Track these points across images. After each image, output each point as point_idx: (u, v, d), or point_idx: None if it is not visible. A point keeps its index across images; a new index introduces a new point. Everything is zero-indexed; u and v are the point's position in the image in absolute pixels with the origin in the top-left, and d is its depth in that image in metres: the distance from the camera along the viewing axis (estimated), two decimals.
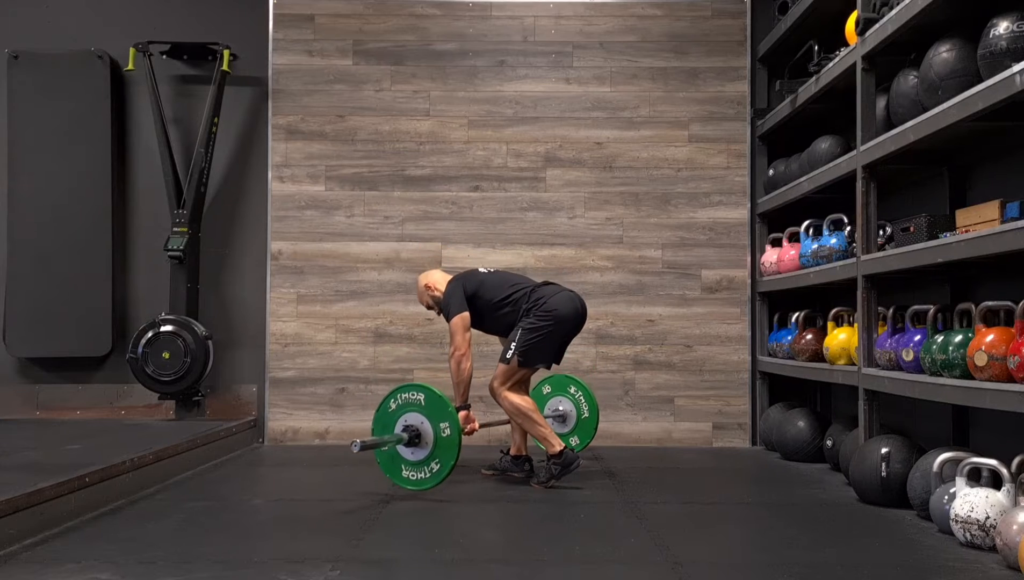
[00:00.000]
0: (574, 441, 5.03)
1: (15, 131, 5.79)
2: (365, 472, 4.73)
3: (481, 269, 4.54)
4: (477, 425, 4.26)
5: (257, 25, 5.88)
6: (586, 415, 5.03)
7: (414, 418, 3.91)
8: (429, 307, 4.54)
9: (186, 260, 5.59)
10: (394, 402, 3.96)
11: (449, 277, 4.46)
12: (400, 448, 3.94)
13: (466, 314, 4.26)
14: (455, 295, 4.30)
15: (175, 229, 5.61)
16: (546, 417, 4.81)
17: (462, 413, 4.14)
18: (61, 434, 4.89)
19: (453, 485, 4.27)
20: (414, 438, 3.91)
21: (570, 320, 4.29)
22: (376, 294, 5.80)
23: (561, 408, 5.05)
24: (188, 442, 4.67)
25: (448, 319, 4.29)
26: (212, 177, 5.80)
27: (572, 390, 5.04)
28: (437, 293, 4.43)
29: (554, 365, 4.43)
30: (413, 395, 3.93)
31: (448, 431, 3.87)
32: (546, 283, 4.42)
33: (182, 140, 5.88)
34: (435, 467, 3.90)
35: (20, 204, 5.78)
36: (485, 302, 4.33)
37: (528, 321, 4.24)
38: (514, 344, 4.23)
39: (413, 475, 3.95)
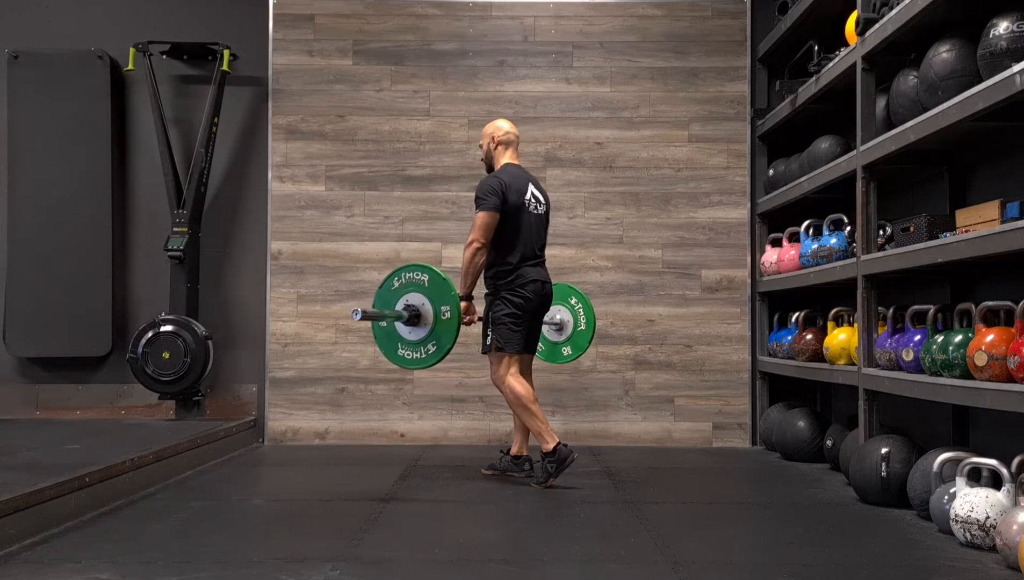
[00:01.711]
0: (566, 351, 5.05)
1: (15, 131, 5.79)
2: (365, 472, 4.73)
3: (529, 192, 4.34)
4: (476, 317, 4.25)
5: (257, 25, 5.88)
6: (582, 327, 5.03)
7: (416, 298, 3.92)
8: (480, 148, 4.51)
9: (186, 260, 5.59)
10: (397, 281, 3.96)
11: (513, 160, 4.41)
12: (399, 326, 3.93)
13: (496, 215, 4.20)
14: (493, 193, 4.22)
15: (175, 229, 5.61)
16: (544, 323, 4.76)
17: (464, 303, 4.14)
18: (61, 434, 4.88)
19: (453, 485, 4.27)
20: (414, 317, 3.90)
21: (531, 306, 4.27)
22: None
23: (559, 317, 5.05)
24: (188, 442, 4.67)
25: (477, 208, 4.23)
26: (212, 177, 5.80)
27: (572, 301, 5.04)
28: (494, 154, 4.41)
29: (528, 353, 4.42)
30: (417, 275, 3.93)
31: (448, 314, 3.87)
32: (535, 264, 4.33)
33: (182, 140, 5.88)
34: (431, 348, 3.90)
35: (20, 204, 5.78)
36: (501, 227, 4.24)
37: (496, 303, 4.24)
38: (489, 330, 4.25)
39: (409, 354, 3.94)
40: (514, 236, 4.27)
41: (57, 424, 5.42)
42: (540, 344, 5.02)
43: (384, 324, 3.95)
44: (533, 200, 4.37)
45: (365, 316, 3.73)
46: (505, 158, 4.42)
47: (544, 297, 4.35)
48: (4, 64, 5.81)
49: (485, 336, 4.28)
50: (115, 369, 5.78)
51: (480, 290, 4.32)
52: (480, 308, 4.33)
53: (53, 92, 5.77)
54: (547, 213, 4.49)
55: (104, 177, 5.79)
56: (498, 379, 4.26)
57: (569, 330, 5.05)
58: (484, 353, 4.32)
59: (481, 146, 4.52)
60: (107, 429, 5.18)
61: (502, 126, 4.49)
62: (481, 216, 4.21)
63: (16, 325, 5.75)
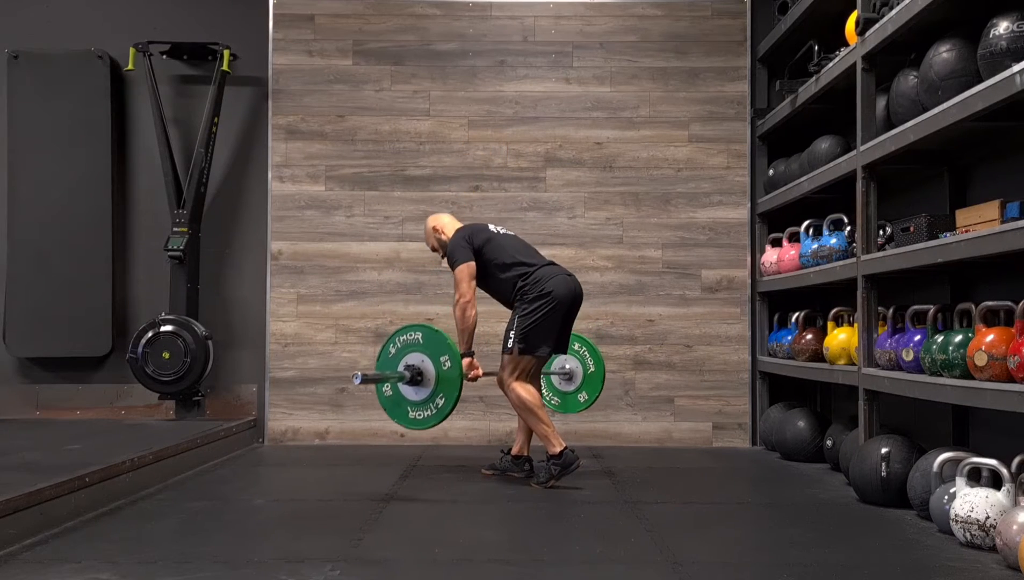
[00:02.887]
0: (582, 397, 5.04)
1: (15, 131, 5.79)
2: (365, 472, 4.73)
3: (491, 226, 4.46)
4: (480, 371, 4.23)
5: (257, 25, 5.88)
6: (592, 370, 5.03)
7: (414, 358, 3.93)
8: (434, 250, 4.53)
9: (186, 260, 5.59)
10: (393, 347, 3.97)
11: (459, 224, 4.46)
12: (404, 388, 3.94)
13: (472, 264, 4.23)
14: (461, 246, 4.27)
15: (175, 229, 5.61)
16: (552, 374, 4.76)
17: (465, 360, 4.13)
18: (61, 434, 4.88)
19: (453, 485, 4.27)
20: (416, 376, 3.91)
21: (566, 301, 4.26)
22: (376, 294, 5.80)
23: (568, 366, 5.06)
24: (188, 442, 4.67)
25: (453, 267, 4.26)
26: (212, 177, 5.80)
27: (576, 346, 5.04)
28: (444, 237, 4.41)
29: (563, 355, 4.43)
30: (411, 336, 3.94)
31: (448, 364, 3.87)
32: (548, 264, 4.36)
33: (182, 140, 5.88)
34: (440, 402, 3.90)
35: (20, 204, 5.78)
36: (488, 261, 4.29)
37: (522, 306, 4.22)
38: (512, 331, 4.21)
39: (419, 414, 3.94)
40: (502, 255, 4.29)
41: (57, 424, 5.42)
42: (554, 396, 5.04)
43: (388, 391, 3.96)
44: (499, 229, 4.45)
45: (366, 379, 3.74)
46: (453, 229, 4.44)
47: (575, 293, 4.31)
48: (4, 64, 5.81)
49: (507, 338, 4.24)
50: (115, 369, 5.78)
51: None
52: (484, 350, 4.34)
53: (53, 92, 5.77)
54: (516, 235, 4.54)
55: (104, 177, 5.79)
56: (504, 383, 4.25)
57: (579, 377, 5.05)
58: (504, 353, 4.27)
59: (433, 248, 4.52)
60: (107, 429, 5.18)
61: (438, 217, 4.53)
62: (459, 270, 4.24)
63: (16, 325, 5.75)
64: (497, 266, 4.29)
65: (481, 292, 4.35)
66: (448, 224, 4.47)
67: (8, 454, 4.14)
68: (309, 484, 4.54)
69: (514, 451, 4.50)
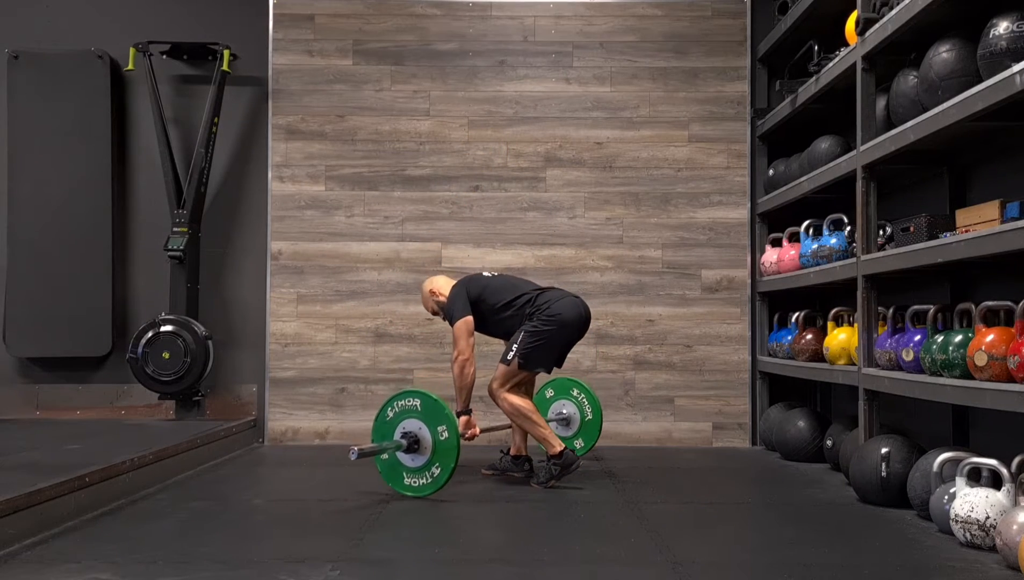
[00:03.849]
0: (579, 444, 5.03)
1: (15, 131, 5.79)
2: (365, 472, 4.72)
3: (485, 273, 4.52)
4: (478, 430, 4.26)
5: (257, 25, 5.88)
6: (589, 417, 5.03)
7: (412, 424, 3.91)
8: (435, 313, 4.54)
9: (186, 260, 5.59)
10: (391, 410, 3.96)
11: (453, 282, 4.46)
12: (400, 455, 3.93)
13: (470, 318, 4.26)
14: (458, 300, 4.29)
15: (175, 229, 5.61)
16: (549, 421, 4.80)
17: (463, 418, 4.15)
18: (61, 434, 4.88)
19: (453, 485, 4.26)
20: (412, 444, 3.90)
21: (573, 325, 4.29)
22: (376, 294, 5.80)
23: (565, 411, 5.06)
24: (188, 442, 4.67)
25: (452, 323, 4.29)
26: (212, 177, 5.80)
27: (575, 393, 5.05)
28: (442, 298, 4.43)
29: (555, 369, 4.43)
30: (409, 402, 3.93)
31: (446, 435, 3.86)
32: (551, 288, 4.42)
33: (182, 140, 5.88)
34: (436, 471, 3.90)
35: (20, 204, 5.78)
36: (489, 306, 4.33)
37: (531, 324, 4.23)
38: (516, 346, 4.22)
39: (415, 482, 3.94)
40: (506, 293, 4.32)
41: (57, 424, 5.42)
42: None
43: (386, 456, 3.95)
44: (492, 274, 4.50)
45: (362, 454, 3.73)
46: (449, 287, 4.44)
47: (584, 317, 4.32)
48: (4, 64, 5.81)
49: (509, 350, 4.24)
50: (115, 369, 5.78)
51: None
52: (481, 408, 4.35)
53: (53, 92, 5.77)
54: (510, 276, 4.59)
55: (104, 177, 5.79)
56: (494, 393, 4.27)
57: (577, 423, 5.05)
58: (501, 363, 4.27)
59: (434, 311, 4.53)
60: (107, 429, 5.18)
61: (433, 281, 4.53)
62: (457, 326, 4.25)
63: (16, 325, 5.75)
64: (500, 307, 4.31)
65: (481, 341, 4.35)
66: (444, 285, 4.48)
67: (8, 454, 4.14)
68: (309, 484, 4.54)
69: (513, 451, 4.51)
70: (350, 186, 5.83)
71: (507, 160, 5.84)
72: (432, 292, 4.48)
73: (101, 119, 5.80)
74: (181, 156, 5.79)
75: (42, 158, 5.76)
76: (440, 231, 5.82)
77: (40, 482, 3.27)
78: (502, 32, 5.90)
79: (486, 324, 4.38)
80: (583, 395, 5.04)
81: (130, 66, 5.74)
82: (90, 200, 5.77)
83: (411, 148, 5.85)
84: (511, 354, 4.22)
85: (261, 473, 4.89)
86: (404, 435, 3.90)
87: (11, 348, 5.77)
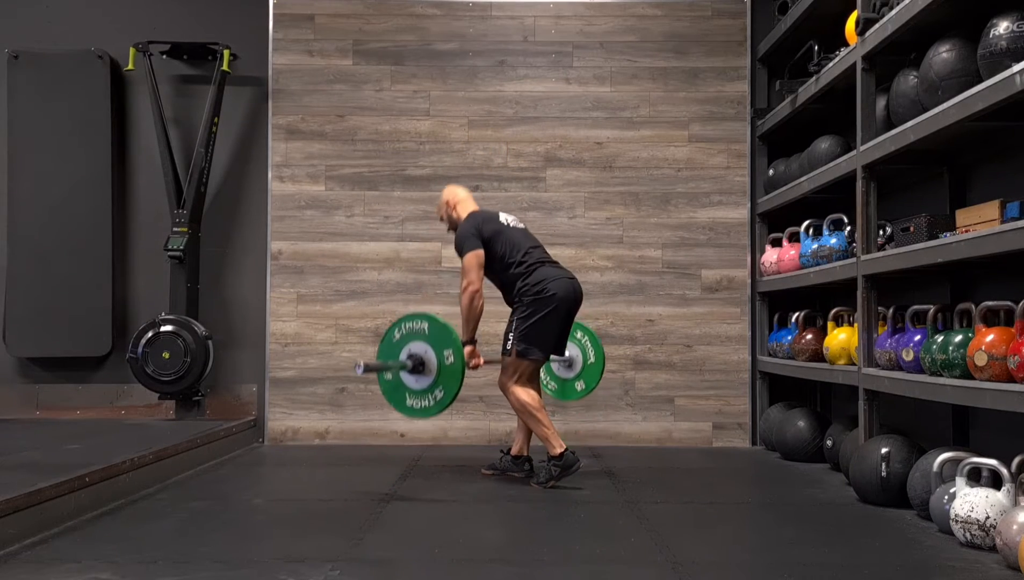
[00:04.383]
0: (579, 386, 5.04)
1: (15, 131, 5.79)
2: (365, 472, 4.73)
3: (502, 217, 4.42)
4: (482, 361, 4.24)
5: (257, 25, 5.88)
6: (592, 361, 5.03)
7: (418, 347, 3.91)
8: (442, 220, 4.55)
9: (186, 260, 5.59)
10: (398, 332, 3.96)
11: (473, 208, 4.44)
12: (404, 376, 3.93)
13: (480, 252, 4.22)
14: (470, 235, 4.25)
15: (175, 229, 5.61)
16: (553, 359, 4.76)
17: (468, 348, 4.12)
18: (61, 434, 4.88)
19: (453, 485, 4.27)
20: (418, 366, 3.90)
21: (566, 303, 4.26)
22: (376, 294, 5.80)
23: (568, 354, 5.05)
24: (188, 442, 4.67)
25: (461, 255, 4.25)
26: (212, 177, 5.80)
27: (579, 335, 5.04)
28: (455, 214, 4.42)
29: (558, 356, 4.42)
30: (417, 325, 3.93)
31: (452, 359, 3.86)
32: (544, 262, 4.32)
33: (182, 140, 5.88)
34: (439, 394, 3.89)
35: (20, 204, 5.78)
36: (494, 254, 4.27)
37: (522, 308, 4.22)
38: (512, 333, 4.22)
39: (417, 403, 3.93)
40: (510, 250, 4.28)
41: (57, 424, 5.42)
42: (552, 382, 5.03)
43: (389, 376, 3.95)
44: (509, 220, 4.42)
45: (367, 369, 3.74)
46: (466, 211, 4.44)
47: (575, 294, 4.31)
48: (4, 64, 5.81)
49: (507, 340, 4.25)
50: (115, 369, 5.78)
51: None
52: (485, 345, 4.31)
53: (53, 92, 5.77)
54: (526, 229, 4.51)
55: (104, 177, 5.79)
56: (504, 386, 4.25)
57: (579, 365, 5.05)
58: (504, 355, 4.28)
59: (441, 218, 4.54)
60: (107, 429, 5.18)
61: (456, 192, 4.52)
62: (467, 258, 4.23)
63: (16, 325, 5.75)
64: (501, 262, 4.28)
65: (488, 288, 4.34)
66: (463, 202, 4.46)
67: (8, 454, 4.14)
68: (309, 484, 4.54)
69: (514, 451, 4.50)
70: (350, 186, 5.83)
71: (507, 160, 5.84)
72: (449, 202, 4.47)
73: (101, 119, 5.80)
74: (181, 156, 5.79)
75: (42, 158, 5.76)
76: (440, 231, 5.76)
77: (40, 482, 3.27)
78: (502, 32, 5.90)
79: (488, 270, 4.31)
80: (587, 338, 5.04)
81: (130, 66, 5.74)
82: (90, 200, 5.77)
83: (411, 148, 5.85)
84: (509, 343, 4.22)
85: (261, 473, 4.89)
86: (410, 357, 3.90)
87: (11, 348, 5.77)
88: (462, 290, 4.22)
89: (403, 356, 3.92)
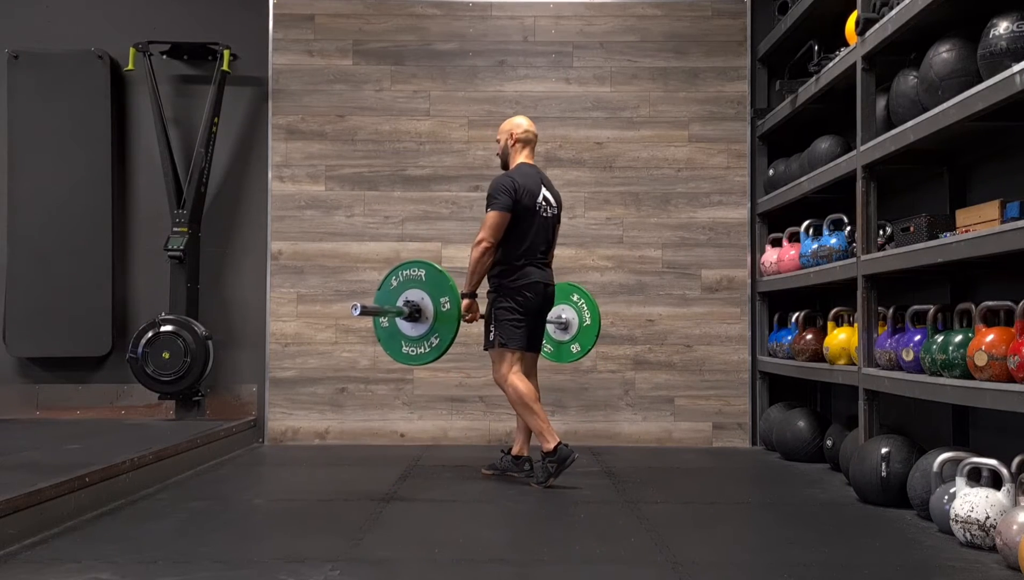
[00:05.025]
0: (575, 348, 5.06)
1: (15, 131, 5.79)
2: (365, 472, 4.73)
3: (540, 196, 4.29)
4: (479, 315, 4.25)
5: (257, 25, 5.88)
6: (588, 323, 5.04)
7: (415, 294, 3.93)
8: (497, 143, 4.49)
9: (186, 260, 5.59)
10: (395, 279, 3.97)
11: (526, 159, 4.37)
12: (400, 323, 3.94)
13: (508, 216, 4.18)
14: (507, 194, 4.20)
15: (175, 229, 5.61)
16: (549, 322, 4.74)
17: (466, 301, 4.13)
18: (61, 434, 4.88)
19: (453, 485, 4.27)
20: (414, 312, 3.91)
21: (535, 310, 4.29)
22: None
23: (564, 316, 5.07)
24: (188, 442, 4.67)
25: (488, 207, 4.21)
26: (212, 177, 5.80)
27: (575, 298, 5.05)
28: (511, 154, 4.38)
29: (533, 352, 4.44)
30: (414, 272, 3.94)
31: (448, 306, 3.87)
32: (530, 264, 4.28)
33: (182, 140, 5.88)
34: (434, 341, 3.91)
35: (20, 204, 5.78)
36: (511, 230, 4.23)
37: (501, 302, 4.25)
38: (493, 325, 4.25)
39: (413, 350, 3.95)
40: (522, 237, 4.26)
41: (57, 424, 5.42)
42: (548, 345, 5.03)
43: (385, 323, 3.96)
44: (544, 203, 4.35)
45: (364, 311, 3.74)
46: (521, 157, 4.40)
47: (546, 298, 4.36)
48: (4, 64, 5.81)
49: (488, 332, 4.29)
50: (115, 369, 5.78)
51: (483, 287, 4.32)
52: (483, 306, 4.33)
53: (53, 92, 5.77)
54: (558, 215, 4.47)
55: (104, 177, 5.79)
56: (500, 377, 4.26)
57: (575, 328, 5.07)
58: (486, 350, 4.33)
59: (499, 141, 4.48)
60: (107, 429, 5.18)
61: (521, 124, 4.45)
62: (491, 215, 4.19)
63: (16, 325, 5.75)
64: (507, 241, 4.24)
65: None
66: (520, 142, 4.38)
67: (8, 454, 4.14)
68: (309, 484, 4.54)
69: (514, 451, 4.50)
70: (350, 186, 5.83)
71: None
72: (512, 135, 4.38)
73: (101, 119, 5.80)
74: (181, 156, 5.79)
75: (42, 158, 5.76)
76: (440, 231, 5.82)
77: (40, 482, 3.28)
78: (502, 32, 5.90)
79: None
80: (583, 301, 5.05)
81: (130, 66, 5.74)
82: (90, 200, 5.77)
83: (411, 148, 5.85)
84: (491, 335, 4.25)
85: (261, 473, 4.89)
86: (407, 303, 3.91)
87: (11, 348, 5.77)
88: (475, 243, 4.19)
89: (400, 303, 3.92)
